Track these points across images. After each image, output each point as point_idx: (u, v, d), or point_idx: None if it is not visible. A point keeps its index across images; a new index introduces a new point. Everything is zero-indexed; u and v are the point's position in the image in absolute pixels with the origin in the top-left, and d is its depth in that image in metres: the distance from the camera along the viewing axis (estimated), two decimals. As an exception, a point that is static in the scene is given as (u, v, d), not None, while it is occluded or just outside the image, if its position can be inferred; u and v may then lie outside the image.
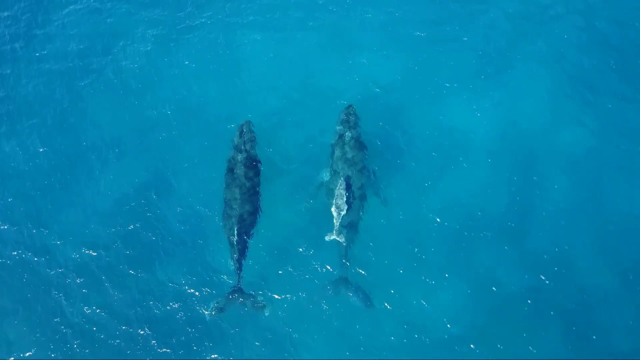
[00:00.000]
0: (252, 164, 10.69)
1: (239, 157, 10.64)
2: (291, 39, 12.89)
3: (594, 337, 9.35)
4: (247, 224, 10.06)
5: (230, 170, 10.61)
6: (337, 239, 9.86)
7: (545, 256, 10.01)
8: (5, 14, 13.90)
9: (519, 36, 12.71)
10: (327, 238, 9.92)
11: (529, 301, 9.68)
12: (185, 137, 11.69)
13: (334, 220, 9.90)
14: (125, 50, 13.00)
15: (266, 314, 9.59)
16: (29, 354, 9.68)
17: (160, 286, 10.11)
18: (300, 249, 10.25)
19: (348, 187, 10.03)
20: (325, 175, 10.74)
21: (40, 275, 10.31)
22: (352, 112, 11.21)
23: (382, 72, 12.26)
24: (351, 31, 12.99)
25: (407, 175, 10.87)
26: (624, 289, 9.70)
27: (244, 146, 10.77)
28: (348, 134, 10.87)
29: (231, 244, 9.88)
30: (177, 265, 10.31)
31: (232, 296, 9.69)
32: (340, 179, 10.16)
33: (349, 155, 10.60)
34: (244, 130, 11.01)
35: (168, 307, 9.92)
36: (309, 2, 13.37)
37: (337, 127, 11.12)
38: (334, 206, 9.97)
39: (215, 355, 9.56)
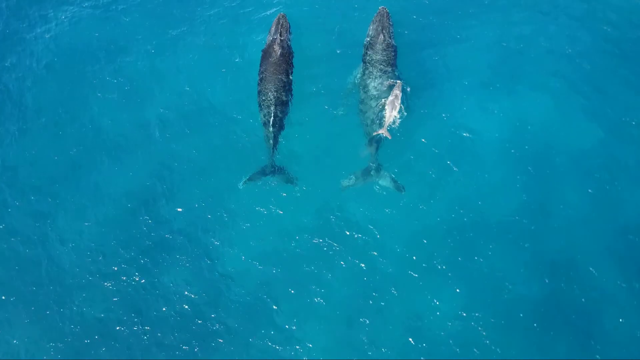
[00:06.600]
0: (287, 51, 11.24)
1: (275, 44, 11.16)
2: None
3: (603, 342, 9.30)
4: (282, 108, 10.56)
5: (266, 57, 11.12)
6: (384, 134, 10.16)
7: (555, 261, 9.95)
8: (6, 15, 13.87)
9: (530, 38, 12.67)
10: (375, 133, 10.24)
11: (537, 305, 9.61)
12: (189, 138, 11.58)
13: (385, 117, 10.14)
14: (127, 51, 12.93)
15: (297, 189, 10.29)
16: (30, 355, 9.56)
17: (163, 288, 10.01)
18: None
19: (404, 89, 10.29)
20: (357, 78, 10.95)
21: (41, 276, 10.18)
22: (385, 13, 11.28)
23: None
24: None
25: (413, 176, 10.72)
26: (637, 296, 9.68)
27: (281, 35, 11.32)
28: (381, 37, 10.87)
29: (266, 126, 10.41)
30: (180, 267, 10.20)
31: (265, 171, 10.34)
32: (396, 79, 10.43)
33: (382, 57, 10.68)
34: (281, 22, 11.54)
35: (172, 309, 9.88)
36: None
37: (370, 29, 11.19)
38: (388, 103, 10.22)
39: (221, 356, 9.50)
